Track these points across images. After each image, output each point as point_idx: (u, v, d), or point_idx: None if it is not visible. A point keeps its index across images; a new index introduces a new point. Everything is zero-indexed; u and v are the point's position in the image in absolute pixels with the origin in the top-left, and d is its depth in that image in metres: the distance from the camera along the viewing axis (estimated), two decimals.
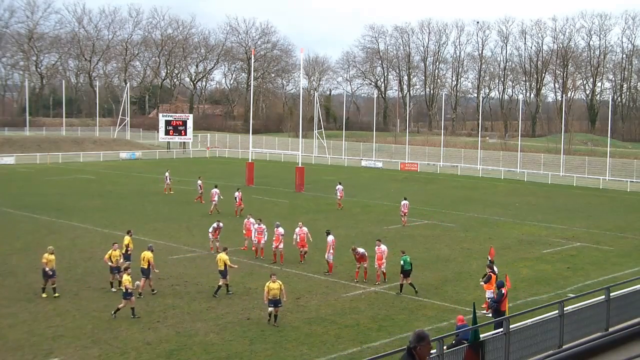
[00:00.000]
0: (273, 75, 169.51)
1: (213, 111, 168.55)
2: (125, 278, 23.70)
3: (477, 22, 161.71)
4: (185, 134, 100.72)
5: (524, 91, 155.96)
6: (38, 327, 22.56)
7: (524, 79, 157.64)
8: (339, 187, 51.01)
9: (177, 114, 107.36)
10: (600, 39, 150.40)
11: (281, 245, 32.32)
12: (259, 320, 23.64)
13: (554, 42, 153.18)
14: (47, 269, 25.88)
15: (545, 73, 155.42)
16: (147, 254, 27.04)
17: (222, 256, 27.04)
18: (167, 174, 57.66)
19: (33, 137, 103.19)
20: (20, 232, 38.88)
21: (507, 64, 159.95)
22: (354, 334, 22.56)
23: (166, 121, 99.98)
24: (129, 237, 29.99)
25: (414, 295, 26.89)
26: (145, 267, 26.74)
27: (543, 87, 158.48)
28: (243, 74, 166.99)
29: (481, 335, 16.91)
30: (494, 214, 48.95)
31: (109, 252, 27.74)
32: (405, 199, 44.36)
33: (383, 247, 29.06)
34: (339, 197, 50.35)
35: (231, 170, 73.65)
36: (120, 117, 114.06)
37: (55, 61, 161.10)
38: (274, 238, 32.55)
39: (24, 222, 42.01)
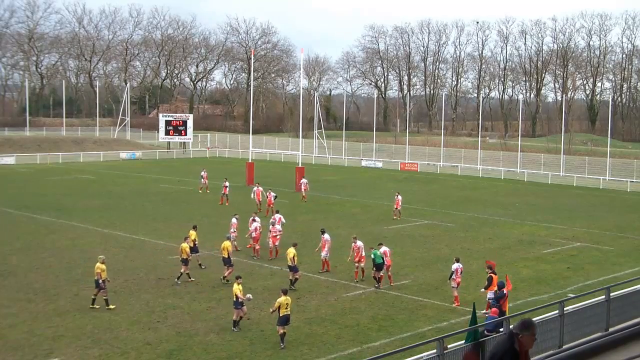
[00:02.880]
0: (273, 75, 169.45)
1: (213, 111, 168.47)
2: (236, 287, 22.73)
3: (477, 22, 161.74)
4: (186, 134, 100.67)
5: (524, 91, 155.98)
6: (38, 327, 22.55)
7: (524, 79, 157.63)
8: (304, 180, 54.82)
9: (177, 114, 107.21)
10: (600, 39, 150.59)
11: (277, 243, 32.82)
12: (259, 320, 23.63)
13: (554, 42, 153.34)
14: (101, 280, 24.68)
15: (545, 73, 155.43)
16: (227, 244, 28.60)
17: (292, 250, 27.82)
18: (203, 173, 57.73)
19: (33, 137, 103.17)
20: (20, 232, 38.86)
21: (507, 64, 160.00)
22: (354, 334, 22.56)
23: (166, 121, 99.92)
24: (195, 232, 30.93)
25: (377, 288, 27.52)
26: (226, 256, 28.33)
27: (543, 87, 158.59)
28: (243, 74, 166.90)
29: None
30: (494, 214, 48.93)
31: (182, 245, 28.72)
32: (398, 194, 46.33)
33: (359, 243, 29.56)
34: (304, 190, 53.60)
35: (231, 170, 73.59)
36: (120, 117, 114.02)
37: (56, 61, 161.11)
38: (270, 236, 32.99)
39: (24, 222, 42.00)
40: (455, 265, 26.42)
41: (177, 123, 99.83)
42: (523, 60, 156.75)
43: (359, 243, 29.51)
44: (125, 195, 55.56)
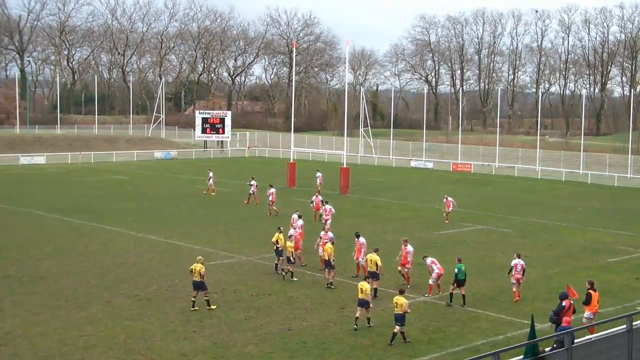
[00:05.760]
0: (316, 69, 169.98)
1: (252, 108, 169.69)
2: (401, 299, 22.77)
3: (536, 11, 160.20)
4: (223, 132, 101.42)
5: (588, 86, 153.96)
6: (69, 335, 22.91)
7: (587, 72, 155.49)
8: (319, 174, 58.41)
9: (215, 111, 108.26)
10: None
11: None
12: (301, 331, 23.68)
13: (621, 32, 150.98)
14: (196, 279, 25.71)
15: (611, 66, 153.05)
16: (328, 247, 29.82)
17: (374, 257, 28.00)
18: (210, 174, 58.35)
19: (64, 135, 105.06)
20: (51, 235, 39.57)
21: (569, 56, 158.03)
22: (402, 347, 22.46)
23: (203, 119, 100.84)
24: (279, 234, 31.53)
25: (463, 307, 26.72)
26: (327, 259, 29.44)
27: (609, 82, 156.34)
28: (284, 68, 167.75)
29: (541, 350, 16.71)
30: (554, 219, 48.31)
31: (287, 244, 30.65)
32: (448, 197, 46.47)
33: (409, 247, 29.60)
34: (319, 184, 57.00)
35: (272, 171, 74.01)
36: (154, 114, 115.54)
37: (88, 55, 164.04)
38: (320, 242, 32.44)
39: (54, 225, 42.76)
40: (514, 261, 27.80)
41: (215, 121, 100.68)
42: (587, 52, 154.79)
43: (409, 248, 29.45)
44: (159, 197, 56.21)
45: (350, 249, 32.86)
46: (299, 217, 35.86)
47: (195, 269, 25.83)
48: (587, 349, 16.99)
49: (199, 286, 25.80)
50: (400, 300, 22.70)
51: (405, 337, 22.72)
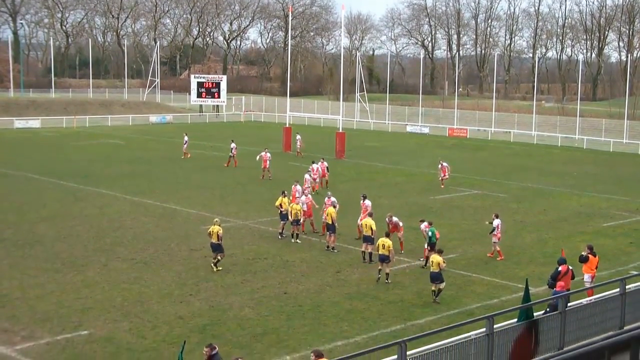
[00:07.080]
0: (312, 33, 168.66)
1: (248, 72, 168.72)
2: (437, 257, 23.47)
3: None
4: (219, 97, 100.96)
5: (585, 51, 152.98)
6: (66, 298, 23.04)
7: (584, 37, 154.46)
8: (298, 137, 60.04)
9: (210, 75, 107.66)
10: None
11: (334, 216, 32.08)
12: (297, 294, 23.84)
13: None
14: (214, 241, 26.19)
15: (608, 31, 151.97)
16: (331, 210, 29.84)
17: (368, 221, 28.01)
18: (186, 137, 58.22)
19: (59, 99, 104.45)
20: (47, 199, 39.58)
21: (566, 20, 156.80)
22: (397, 310, 22.65)
23: (198, 83, 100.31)
24: (283, 198, 31.79)
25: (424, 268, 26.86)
26: (330, 222, 29.57)
27: (606, 46, 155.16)
28: (280, 32, 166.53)
29: (535, 314, 16.88)
30: (549, 184, 48.42)
31: (292, 205, 31.05)
32: (443, 162, 46.58)
33: (394, 219, 29.58)
34: (299, 147, 59.38)
35: (267, 136, 73.89)
36: (149, 78, 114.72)
37: (82, 18, 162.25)
38: (323, 208, 32.11)
39: (50, 189, 42.74)
40: (497, 221, 28.85)
41: (210, 85, 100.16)
42: (584, 16, 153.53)
43: (395, 219, 29.42)
44: (155, 161, 56.16)
45: (346, 213, 32.95)
46: (297, 182, 36.09)
47: (213, 231, 26.21)
48: (580, 313, 17.16)
49: (217, 248, 26.24)
50: (435, 258, 23.36)
51: (436, 297, 23.34)
